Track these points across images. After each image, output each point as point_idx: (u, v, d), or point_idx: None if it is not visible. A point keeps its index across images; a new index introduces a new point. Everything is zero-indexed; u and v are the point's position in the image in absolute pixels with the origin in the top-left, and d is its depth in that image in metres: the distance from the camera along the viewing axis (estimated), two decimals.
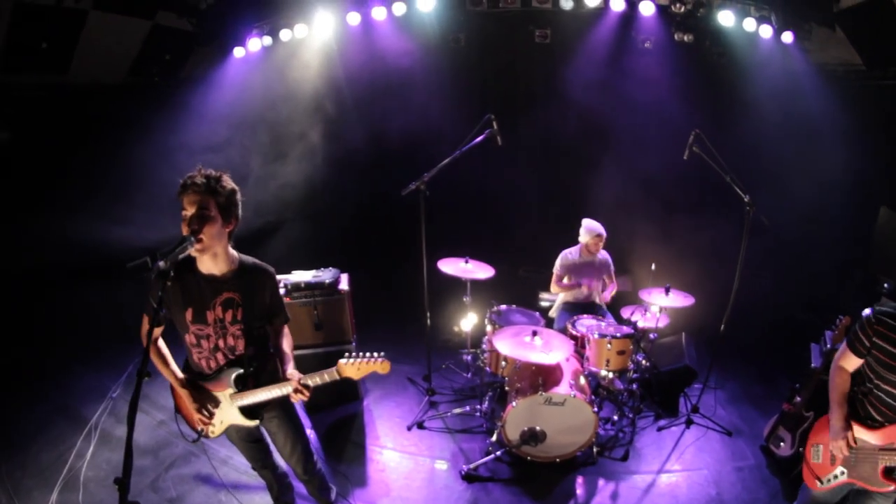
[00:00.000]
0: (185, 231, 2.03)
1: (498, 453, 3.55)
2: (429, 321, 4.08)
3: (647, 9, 4.67)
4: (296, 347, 2.55)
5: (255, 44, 5.17)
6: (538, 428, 3.39)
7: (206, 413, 2.29)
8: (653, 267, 4.14)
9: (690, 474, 3.50)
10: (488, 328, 3.98)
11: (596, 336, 3.66)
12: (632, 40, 5.10)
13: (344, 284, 4.00)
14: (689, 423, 3.95)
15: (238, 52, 5.23)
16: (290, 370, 2.28)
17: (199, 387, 2.31)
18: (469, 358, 4.51)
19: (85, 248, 4.72)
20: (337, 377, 2.22)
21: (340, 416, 4.09)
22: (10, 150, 4.61)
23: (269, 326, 2.39)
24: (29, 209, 4.72)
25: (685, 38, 4.87)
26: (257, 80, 5.41)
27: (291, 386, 2.20)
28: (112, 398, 4.33)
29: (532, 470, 3.51)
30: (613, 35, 5.13)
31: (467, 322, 4.45)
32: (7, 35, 4.05)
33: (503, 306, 4.18)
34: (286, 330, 2.46)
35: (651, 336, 4.03)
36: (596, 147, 5.55)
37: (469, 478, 3.44)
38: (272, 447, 2.67)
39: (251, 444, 2.61)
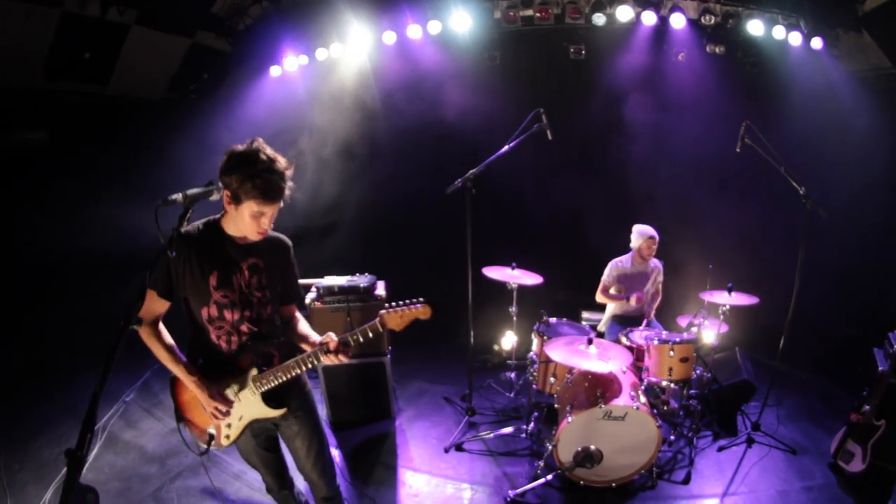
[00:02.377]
0: (254, 232, 1.98)
1: (548, 478, 3.24)
2: (472, 335, 3.85)
3: (677, 21, 4.73)
4: None
5: (292, 62, 5.26)
6: (593, 447, 3.12)
7: (222, 400, 2.05)
8: (710, 267, 4.01)
9: (758, 496, 3.23)
10: (535, 342, 3.77)
11: (656, 343, 3.46)
12: (665, 53, 5.16)
13: (381, 290, 3.84)
14: (750, 441, 3.69)
15: (275, 70, 5.35)
16: (325, 336, 2.09)
17: (214, 372, 2.08)
18: (513, 376, 4.27)
19: (109, 250, 4.64)
20: (380, 329, 2.05)
21: (369, 434, 3.84)
22: (46, 152, 4.67)
23: (282, 308, 2.24)
24: (47, 208, 4.72)
25: (717, 49, 4.92)
26: (293, 96, 5.48)
27: (330, 346, 2.02)
28: (125, 402, 4.20)
29: (585, 496, 3.21)
30: (648, 48, 5.18)
31: (508, 340, 4.24)
32: (52, 43, 4.15)
33: (552, 319, 3.97)
34: (300, 316, 2.34)
35: (713, 343, 3.80)
36: (635, 162, 5.48)
37: None
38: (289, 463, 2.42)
39: (269, 454, 2.34)
